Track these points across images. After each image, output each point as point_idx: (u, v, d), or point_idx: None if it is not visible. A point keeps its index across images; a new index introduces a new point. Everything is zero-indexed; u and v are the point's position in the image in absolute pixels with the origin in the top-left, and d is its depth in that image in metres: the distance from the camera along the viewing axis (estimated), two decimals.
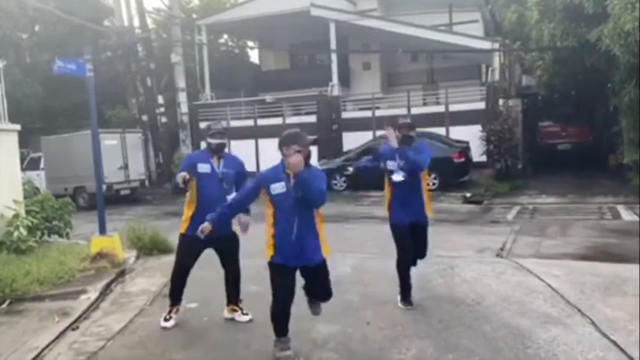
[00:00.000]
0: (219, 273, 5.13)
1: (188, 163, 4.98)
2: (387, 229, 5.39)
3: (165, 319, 5.00)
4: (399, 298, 5.25)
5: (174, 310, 5.04)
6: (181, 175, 4.68)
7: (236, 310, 5.09)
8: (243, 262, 5.16)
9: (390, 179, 5.22)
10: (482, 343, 4.31)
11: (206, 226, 4.26)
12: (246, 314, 5.05)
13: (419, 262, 5.45)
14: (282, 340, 4.18)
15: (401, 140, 5.13)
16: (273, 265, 4.10)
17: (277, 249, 4.06)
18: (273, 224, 4.08)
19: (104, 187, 8.96)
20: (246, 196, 4.27)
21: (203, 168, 4.90)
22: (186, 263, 4.95)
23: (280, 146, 4.03)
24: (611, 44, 11.37)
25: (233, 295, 5.11)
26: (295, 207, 3.98)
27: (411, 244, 5.19)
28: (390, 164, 5.19)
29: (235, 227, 4.93)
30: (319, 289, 4.26)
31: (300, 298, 4.30)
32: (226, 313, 5.13)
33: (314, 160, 4.35)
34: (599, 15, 12.23)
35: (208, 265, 5.25)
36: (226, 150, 5.19)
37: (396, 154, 5.15)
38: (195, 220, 4.73)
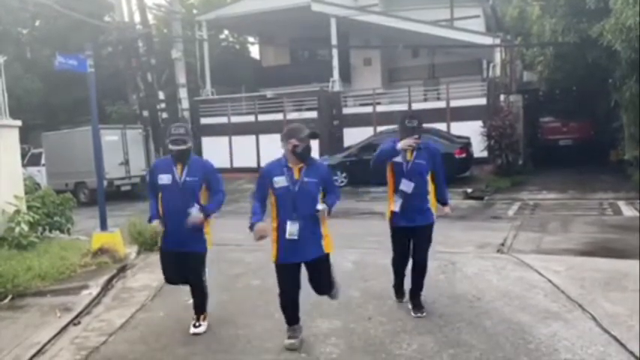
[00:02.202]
0: (219, 268, 5.13)
1: (152, 175, 4.72)
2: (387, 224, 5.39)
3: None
4: (393, 294, 5.27)
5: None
6: (156, 229, 4.64)
7: (193, 319, 4.79)
8: (245, 256, 5.16)
9: (392, 174, 4.91)
10: (483, 339, 4.32)
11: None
12: (198, 326, 4.72)
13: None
14: (291, 329, 4.32)
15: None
16: (277, 266, 4.18)
17: (279, 246, 4.12)
18: (276, 218, 4.15)
19: (105, 182, 8.96)
20: (259, 194, 4.21)
21: (164, 179, 4.58)
22: (172, 276, 4.79)
23: (281, 140, 4.15)
24: (613, 40, 11.32)
25: (196, 307, 4.82)
26: (297, 201, 4.05)
27: (407, 250, 4.98)
28: (397, 158, 4.85)
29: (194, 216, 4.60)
30: (320, 283, 4.30)
31: (303, 295, 4.33)
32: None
33: (315, 156, 4.37)
34: (601, 10, 12.18)
35: (207, 261, 5.24)
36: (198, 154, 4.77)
37: (401, 153, 4.82)
38: (165, 233, 4.64)
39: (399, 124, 4.86)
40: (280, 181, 4.08)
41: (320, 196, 4.19)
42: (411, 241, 4.95)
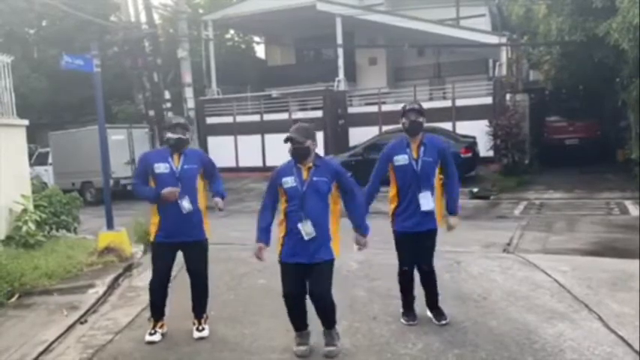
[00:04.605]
0: (223, 267, 5.13)
1: (144, 164, 4.58)
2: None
3: (150, 334, 4.62)
4: (401, 311, 4.82)
5: (159, 325, 4.68)
6: (171, 191, 4.38)
7: (194, 324, 4.70)
8: (249, 255, 5.14)
9: (395, 175, 4.63)
10: (488, 339, 4.32)
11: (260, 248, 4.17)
12: (202, 330, 4.63)
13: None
14: (299, 335, 4.24)
15: (408, 127, 4.54)
16: (282, 264, 4.12)
17: (286, 246, 4.07)
18: (284, 216, 4.10)
19: (111, 181, 8.97)
20: (268, 198, 4.20)
21: (160, 168, 4.47)
22: (161, 271, 4.63)
23: None
24: (620, 38, 11.26)
25: (197, 309, 4.72)
26: (305, 202, 4.00)
27: (412, 256, 4.65)
28: (400, 158, 4.55)
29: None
30: (321, 288, 4.08)
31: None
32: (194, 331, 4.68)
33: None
34: (608, 9, 12.11)
35: (212, 260, 5.24)
36: (192, 146, 4.70)
37: (407, 148, 4.56)
38: (161, 225, 4.56)
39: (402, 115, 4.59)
40: (289, 182, 4.04)
41: (331, 194, 4.10)
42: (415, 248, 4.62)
